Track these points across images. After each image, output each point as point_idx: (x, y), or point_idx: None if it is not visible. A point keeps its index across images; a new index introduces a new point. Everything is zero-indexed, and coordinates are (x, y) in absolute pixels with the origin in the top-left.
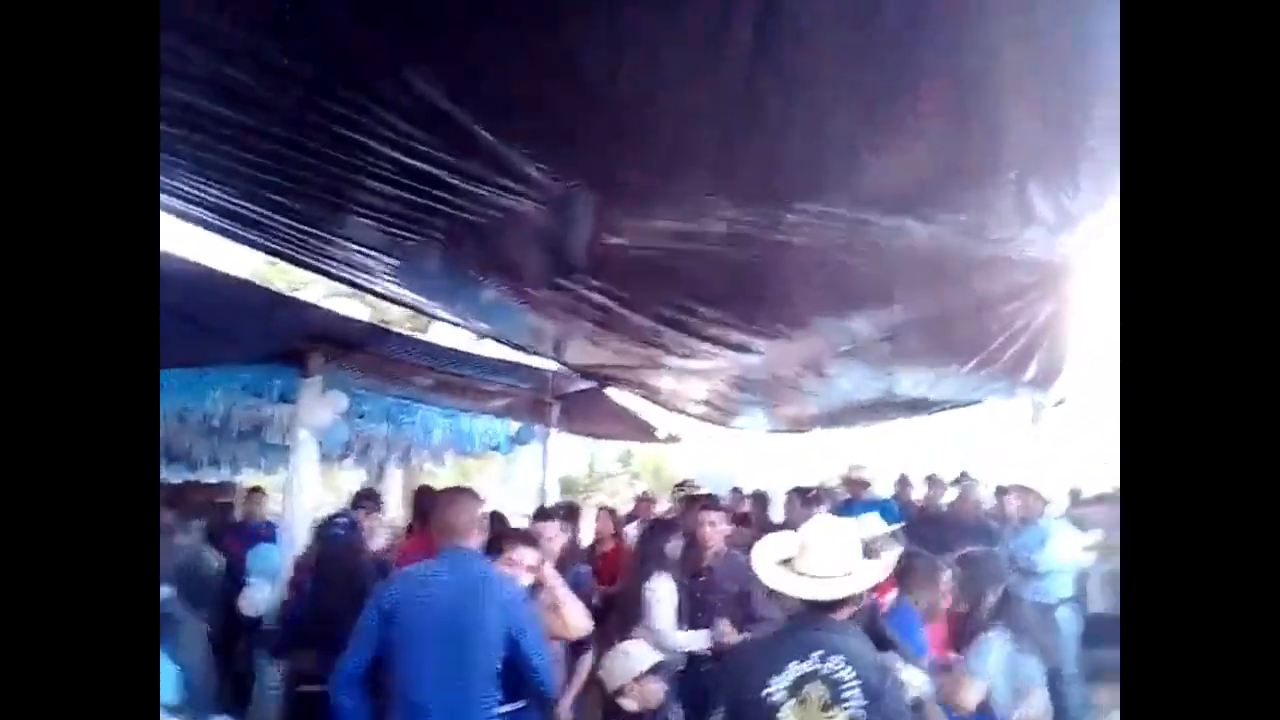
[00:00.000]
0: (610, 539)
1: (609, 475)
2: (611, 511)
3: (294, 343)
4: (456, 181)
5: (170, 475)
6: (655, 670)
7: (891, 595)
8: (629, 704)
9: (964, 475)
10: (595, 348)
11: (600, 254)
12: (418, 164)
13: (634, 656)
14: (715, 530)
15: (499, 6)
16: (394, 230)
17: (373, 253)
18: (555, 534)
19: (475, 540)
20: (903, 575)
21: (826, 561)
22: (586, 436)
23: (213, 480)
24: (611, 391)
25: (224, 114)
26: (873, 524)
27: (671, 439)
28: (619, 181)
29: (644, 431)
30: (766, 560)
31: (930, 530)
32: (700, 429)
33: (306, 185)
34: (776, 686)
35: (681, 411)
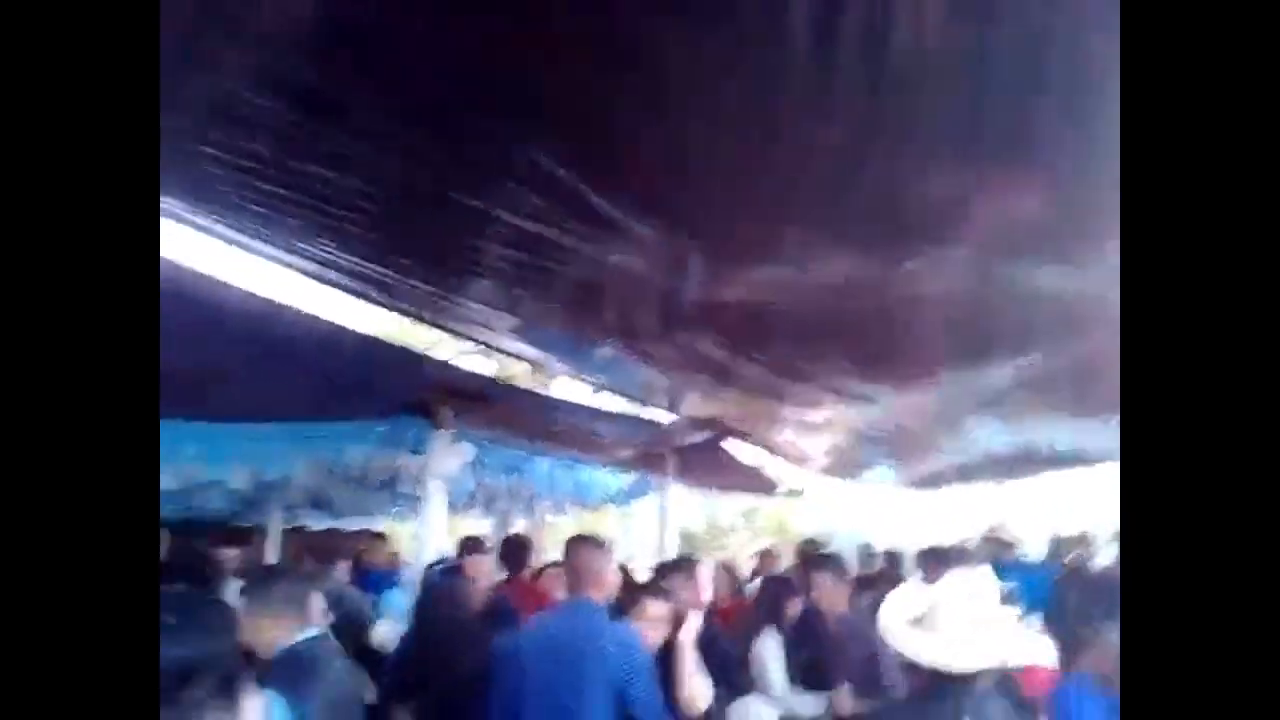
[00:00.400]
0: (728, 597)
1: (731, 530)
2: (729, 568)
3: (424, 396)
4: (570, 243)
5: (314, 523)
6: None
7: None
8: None
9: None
10: (711, 400)
11: (712, 306)
12: (532, 226)
13: (754, 715)
14: (836, 591)
15: (605, 72)
16: (515, 290)
17: (495, 312)
18: (685, 588)
19: (603, 591)
20: (1073, 646)
21: (963, 621)
22: (705, 489)
23: (354, 528)
24: (730, 444)
25: (356, 186)
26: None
27: (794, 493)
28: (728, 234)
29: (765, 485)
30: (896, 618)
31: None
32: (826, 484)
33: (432, 250)
34: None
35: (805, 465)
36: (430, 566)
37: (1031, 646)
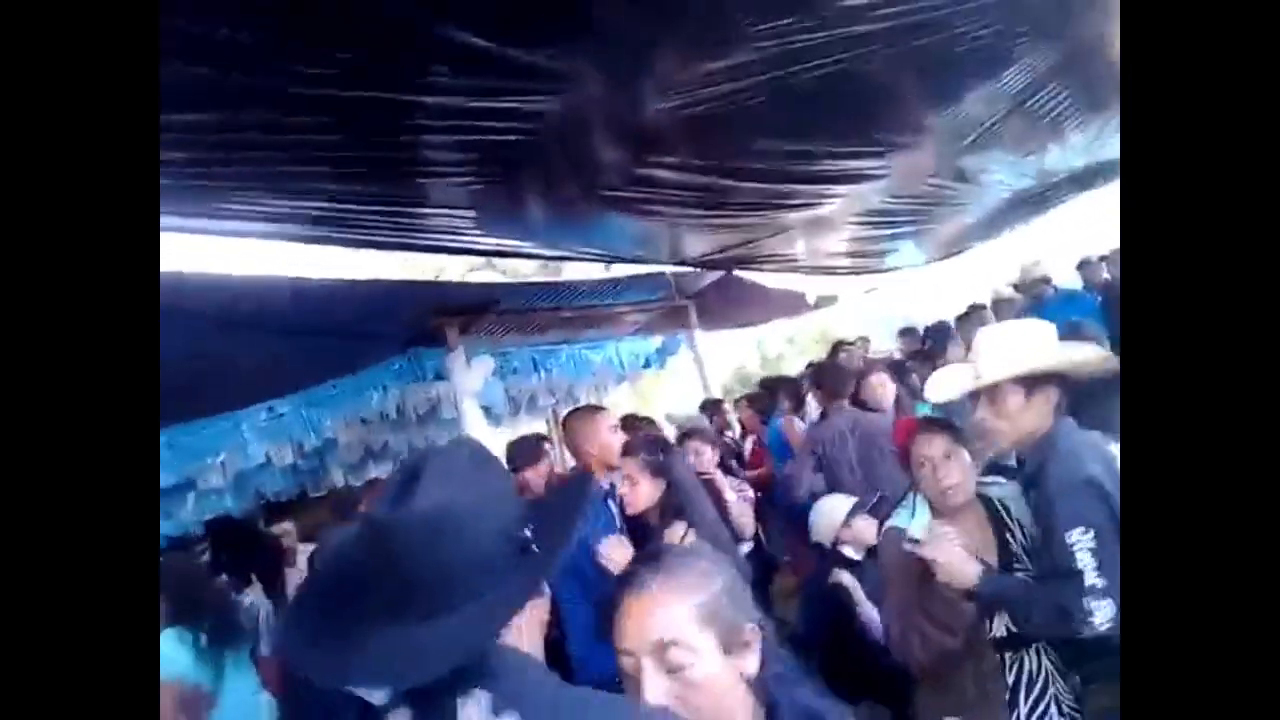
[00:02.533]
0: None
1: (779, 358)
2: (752, 399)
3: (428, 322)
4: (490, 105)
5: (383, 472)
6: (855, 511)
7: None
8: (850, 551)
9: None
10: (710, 233)
11: (675, 126)
12: (463, 103)
13: (831, 508)
14: (884, 388)
15: None
16: (459, 180)
17: (449, 211)
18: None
19: (606, 458)
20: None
21: (999, 358)
22: (735, 328)
23: None
24: (745, 274)
25: (282, 121)
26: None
27: (825, 301)
28: (667, 42)
29: (794, 305)
30: (943, 394)
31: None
32: (856, 282)
33: (378, 170)
34: None
35: (828, 270)
36: None
37: (1075, 351)
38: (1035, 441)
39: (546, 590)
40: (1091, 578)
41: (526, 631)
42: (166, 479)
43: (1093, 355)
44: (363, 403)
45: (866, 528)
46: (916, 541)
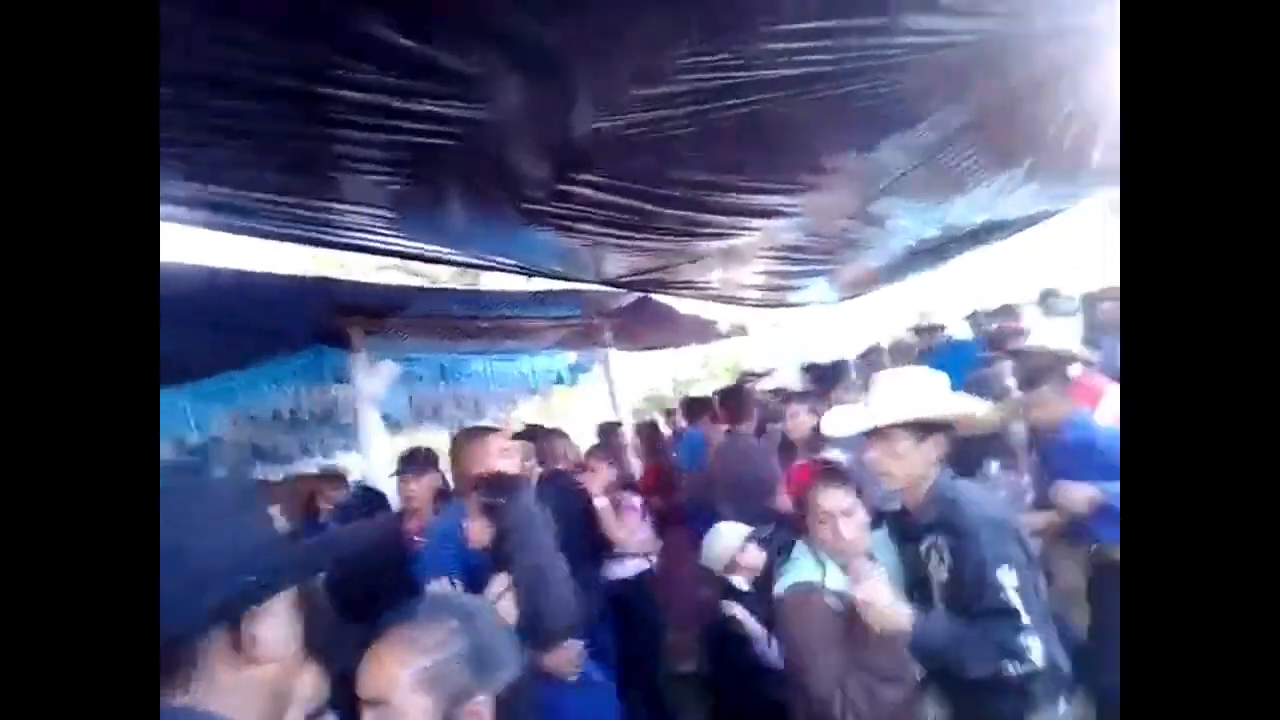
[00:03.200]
0: (652, 453)
1: (691, 382)
2: (653, 425)
3: (331, 321)
4: (414, 107)
5: (270, 473)
6: (750, 539)
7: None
8: (740, 581)
9: (1047, 294)
10: (628, 254)
11: (601, 146)
12: (386, 101)
13: (726, 533)
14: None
15: None
16: (378, 178)
17: (366, 209)
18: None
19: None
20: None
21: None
22: (647, 349)
23: (312, 470)
24: (661, 298)
25: (189, 103)
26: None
27: (737, 331)
28: (602, 64)
29: (706, 331)
30: (839, 431)
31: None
32: (766, 314)
33: (292, 160)
34: None
35: (739, 300)
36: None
37: (964, 404)
38: (924, 488)
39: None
40: (1023, 616)
41: (249, 696)
42: None
43: (982, 410)
44: (256, 399)
45: (757, 557)
46: (840, 594)
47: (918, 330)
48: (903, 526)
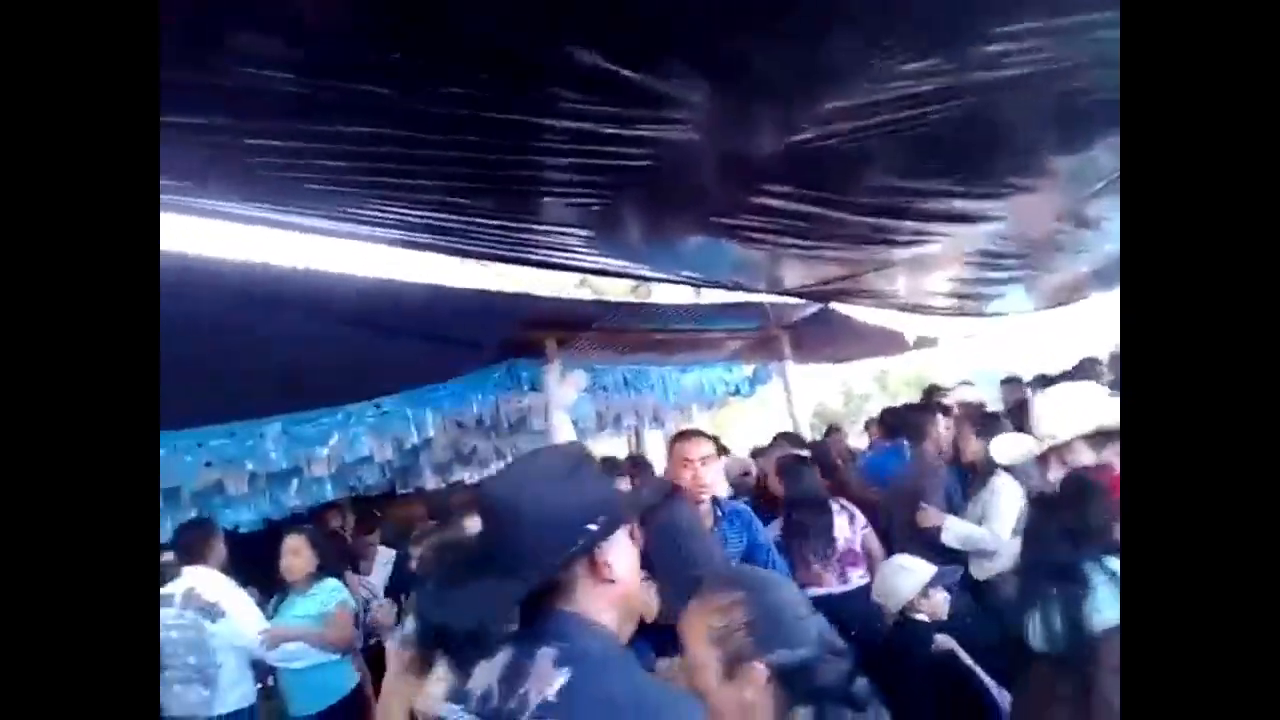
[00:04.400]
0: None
1: (866, 397)
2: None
3: (528, 336)
4: (616, 131)
5: (466, 475)
6: (935, 581)
7: None
8: (921, 617)
9: None
10: (811, 264)
11: (787, 156)
12: (582, 125)
13: (912, 568)
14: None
15: None
16: (576, 200)
17: (565, 229)
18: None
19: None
20: None
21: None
22: (828, 362)
23: None
24: (843, 308)
25: (397, 135)
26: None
27: (925, 343)
28: (785, 72)
29: (892, 343)
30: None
31: None
32: (958, 325)
33: (489, 181)
34: None
35: (928, 310)
36: None
37: None
38: None
39: (624, 572)
40: None
41: (608, 606)
42: (279, 463)
43: None
44: (463, 407)
45: (942, 602)
46: None
47: None
48: None
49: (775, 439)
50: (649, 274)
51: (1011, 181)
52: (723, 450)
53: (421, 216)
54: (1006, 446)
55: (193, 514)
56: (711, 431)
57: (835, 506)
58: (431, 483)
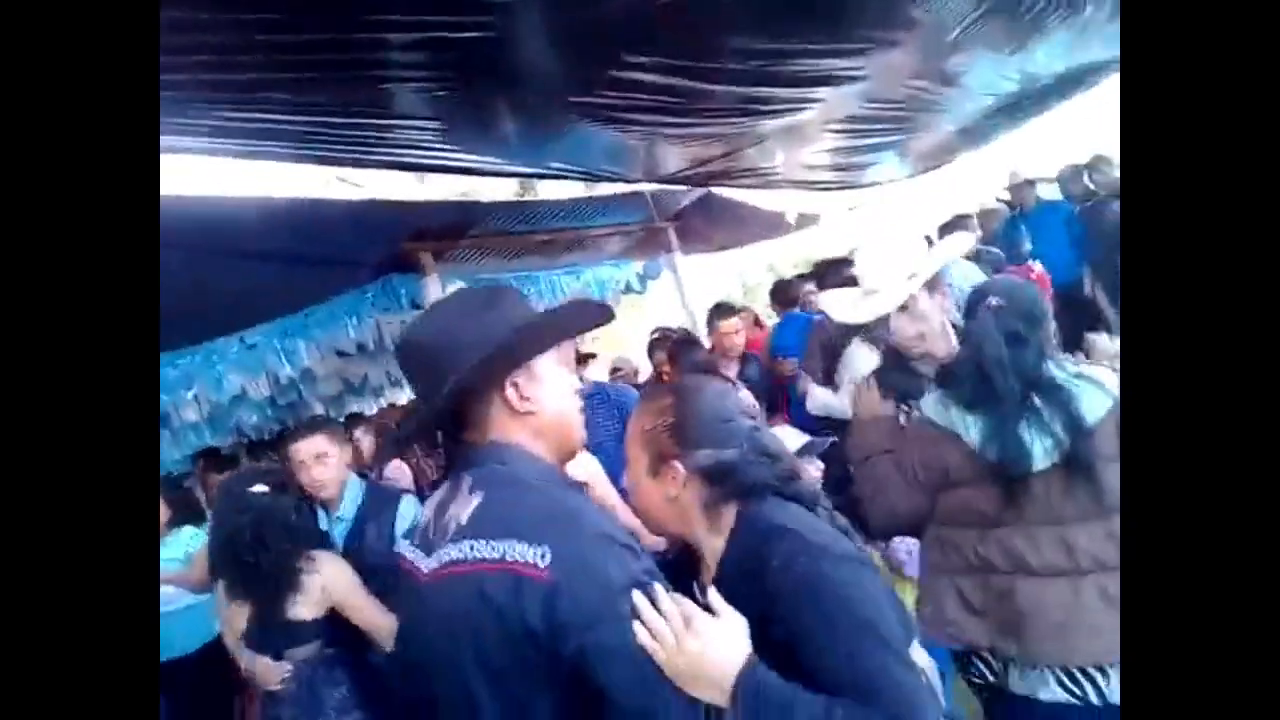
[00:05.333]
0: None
1: (761, 286)
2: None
3: (403, 249)
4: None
5: (363, 407)
6: (803, 451)
7: None
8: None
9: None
10: (685, 145)
11: (632, 19)
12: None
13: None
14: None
15: None
16: (422, 87)
17: (416, 123)
18: None
19: None
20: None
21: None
22: (716, 251)
23: (403, 400)
24: (725, 191)
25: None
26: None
27: (807, 221)
28: None
29: (775, 225)
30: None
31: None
32: (837, 199)
33: (327, 71)
34: None
35: (806, 185)
36: None
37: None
38: (949, 337)
39: (547, 400)
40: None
41: (532, 437)
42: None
43: (965, 241)
44: (338, 332)
45: (814, 472)
46: None
47: (1010, 192)
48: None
49: (654, 335)
50: (521, 169)
51: (865, 36)
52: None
53: (265, 121)
54: (835, 303)
55: None
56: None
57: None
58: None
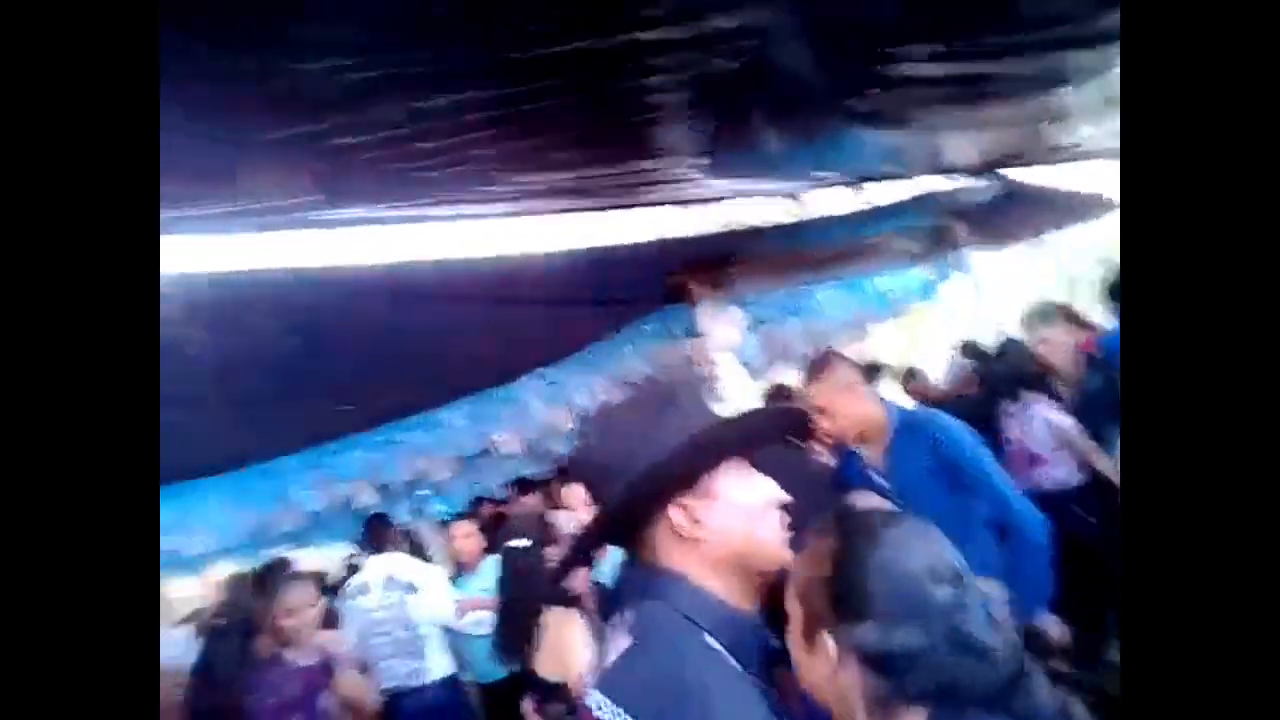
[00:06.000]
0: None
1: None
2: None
3: (672, 281)
4: (705, 28)
5: None
6: None
7: None
8: None
9: None
10: (971, 132)
11: (899, 15)
12: (663, 35)
13: None
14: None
15: None
16: (686, 122)
17: (682, 159)
18: None
19: None
20: None
21: None
22: (1021, 242)
23: None
24: (1021, 175)
25: (486, 97)
26: None
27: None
28: None
29: (1093, 206)
30: None
31: None
32: None
33: (587, 125)
34: None
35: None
36: None
37: None
38: None
39: (719, 524)
40: None
41: (703, 565)
42: (467, 447)
43: None
44: (622, 364)
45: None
46: None
47: None
48: None
49: (957, 346)
50: (788, 186)
51: None
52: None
53: (534, 181)
54: None
55: (406, 505)
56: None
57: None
58: None
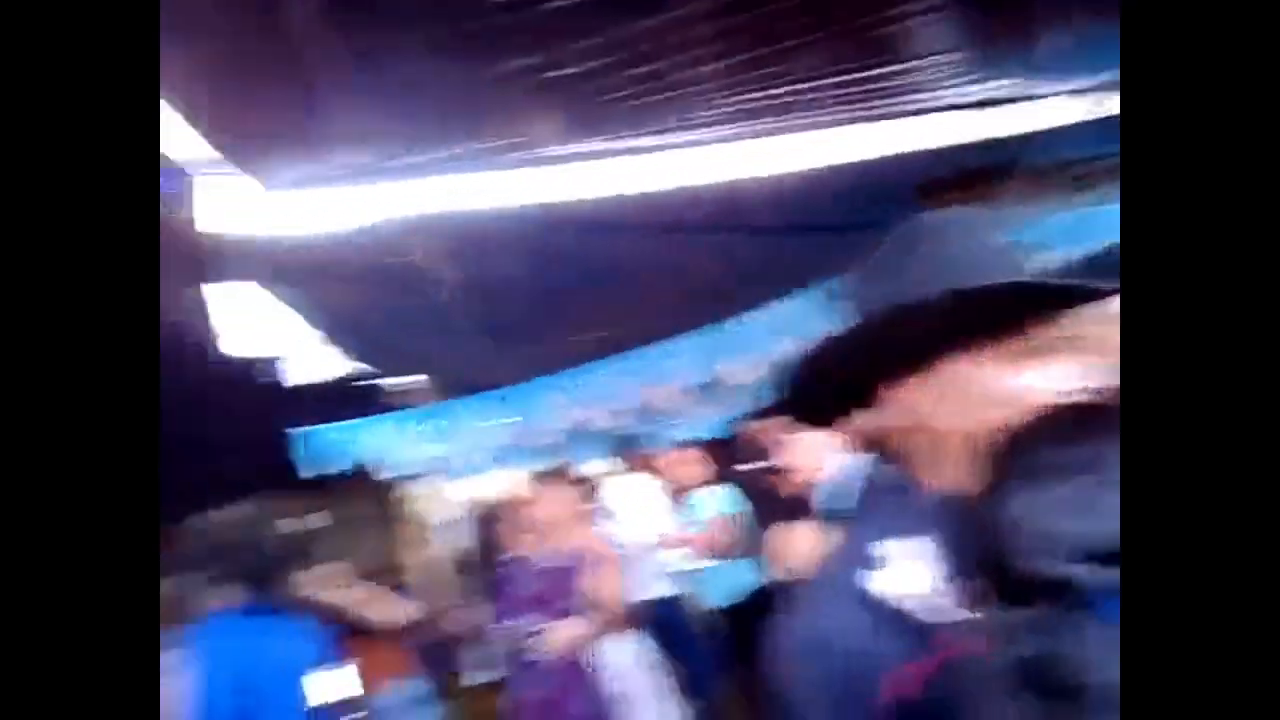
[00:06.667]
0: None
1: None
2: None
3: (930, 201)
4: None
5: None
6: None
7: None
8: None
9: None
10: None
11: None
12: None
13: None
14: None
15: None
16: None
17: (930, 60)
18: None
19: None
20: None
21: None
22: None
23: None
24: None
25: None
26: None
27: None
28: None
29: None
30: None
31: None
32: None
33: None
34: None
35: None
36: None
37: None
38: None
39: None
40: None
41: None
42: (698, 376)
43: None
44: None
45: None
46: None
47: None
48: None
49: None
50: (1071, 86)
51: None
52: None
53: (768, 97)
54: None
55: (638, 431)
56: None
57: None
58: None
